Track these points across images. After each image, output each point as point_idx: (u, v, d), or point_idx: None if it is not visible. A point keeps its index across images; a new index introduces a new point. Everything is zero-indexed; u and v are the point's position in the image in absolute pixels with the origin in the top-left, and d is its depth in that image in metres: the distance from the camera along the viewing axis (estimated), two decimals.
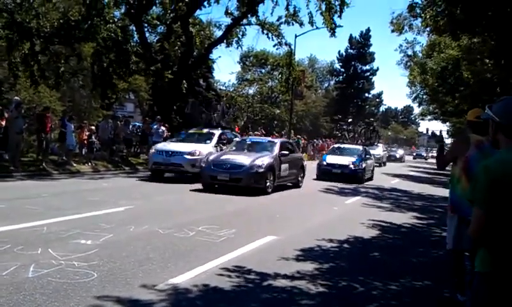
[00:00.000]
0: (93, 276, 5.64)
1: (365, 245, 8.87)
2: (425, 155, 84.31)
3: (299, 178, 18.54)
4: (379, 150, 42.33)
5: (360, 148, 25.88)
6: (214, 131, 20.36)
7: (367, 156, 24.51)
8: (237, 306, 5.25)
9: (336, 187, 19.25)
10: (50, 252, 6.50)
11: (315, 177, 22.45)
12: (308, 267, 6.77)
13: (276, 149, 16.84)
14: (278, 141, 19.22)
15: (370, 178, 24.24)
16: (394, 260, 7.77)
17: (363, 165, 22.84)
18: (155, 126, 23.82)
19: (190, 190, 15.21)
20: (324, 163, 23.06)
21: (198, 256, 6.89)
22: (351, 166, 22.17)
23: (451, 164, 5.95)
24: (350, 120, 35.92)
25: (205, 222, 9.33)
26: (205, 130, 20.87)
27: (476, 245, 2.85)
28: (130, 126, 25.44)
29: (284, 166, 16.72)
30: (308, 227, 10.17)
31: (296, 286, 5.90)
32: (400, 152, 63.17)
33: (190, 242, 7.78)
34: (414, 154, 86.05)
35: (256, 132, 37.11)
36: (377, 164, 35.20)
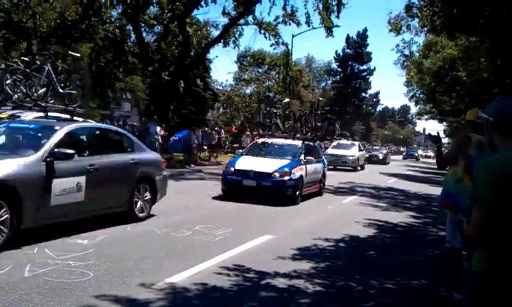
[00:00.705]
0: (90, 276, 5.64)
1: (362, 244, 8.88)
2: (416, 154, 76.92)
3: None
4: (353, 150, 33.79)
5: (299, 144, 15.77)
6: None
7: (311, 158, 15.13)
8: (236, 305, 5.25)
9: (332, 185, 19.24)
10: (47, 251, 6.49)
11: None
12: (305, 266, 6.78)
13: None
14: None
15: (318, 194, 15.89)
16: (390, 259, 7.79)
17: (299, 173, 13.99)
18: (151, 127, 23.80)
19: (189, 188, 15.24)
20: (232, 169, 14.12)
21: (195, 256, 6.90)
22: (276, 175, 13.52)
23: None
24: (286, 100, 27.31)
25: (201, 222, 9.33)
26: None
27: (473, 245, 2.86)
28: (127, 127, 25.37)
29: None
30: (305, 226, 10.18)
31: (293, 285, 5.91)
32: (383, 151, 53.27)
33: (186, 242, 7.79)
34: (404, 153, 78.38)
35: (254, 132, 37.09)
36: (351, 168, 32.05)
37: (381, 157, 47.57)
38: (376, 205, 14.58)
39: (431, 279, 6.73)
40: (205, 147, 29.54)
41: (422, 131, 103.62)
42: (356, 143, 37.44)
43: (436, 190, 19.44)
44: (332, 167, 28.86)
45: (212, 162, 28.78)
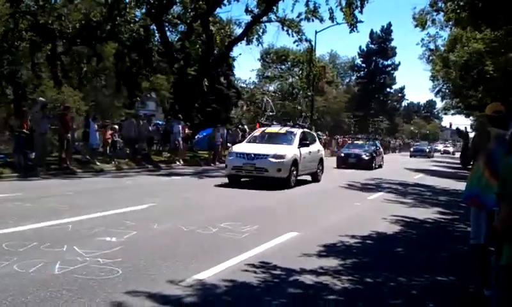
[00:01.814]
0: (118, 273, 5.70)
1: (389, 240, 8.80)
2: (428, 149, 62.79)
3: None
4: (314, 147, 18.70)
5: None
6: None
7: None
8: (264, 302, 5.25)
9: (358, 182, 19.15)
10: (76, 249, 6.59)
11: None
12: (332, 262, 6.75)
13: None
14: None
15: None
16: (418, 255, 7.71)
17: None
18: (175, 126, 23.96)
19: (214, 186, 15.34)
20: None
21: (222, 253, 6.92)
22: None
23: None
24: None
25: (227, 219, 9.35)
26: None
27: (498, 239, 2.81)
28: (152, 125, 25.59)
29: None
30: (330, 223, 10.13)
31: (321, 281, 5.89)
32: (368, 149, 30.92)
33: (213, 239, 7.82)
34: (411, 150, 62.35)
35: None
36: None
37: (365, 156, 29.38)
38: (402, 201, 14.43)
39: (459, 276, 6.64)
40: (229, 145, 29.61)
41: (448, 126, 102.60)
42: (317, 142, 24.05)
43: (464, 186, 19.17)
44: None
45: None
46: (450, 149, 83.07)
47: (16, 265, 5.75)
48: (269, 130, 18.49)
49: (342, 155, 29.73)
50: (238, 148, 17.11)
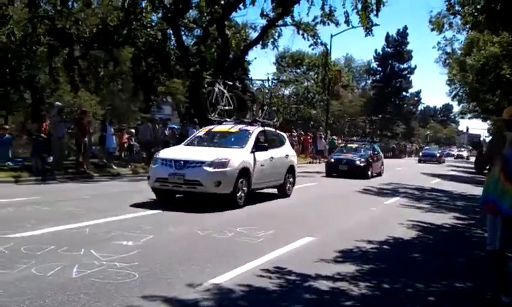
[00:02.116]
0: (135, 277, 5.72)
1: (405, 246, 8.74)
2: (438, 154, 56.84)
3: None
4: (278, 151, 14.31)
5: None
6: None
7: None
8: (282, 306, 5.24)
9: (374, 187, 19.04)
10: (93, 253, 6.63)
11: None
12: (348, 268, 6.71)
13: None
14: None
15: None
16: (435, 261, 7.64)
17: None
18: (190, 130, 24.03)
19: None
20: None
21: (238, 257, 6.92)
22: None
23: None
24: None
25: (242, 224, 9.36)
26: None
27: None
28: (168, 129, 25.68)
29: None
30: (346, 228, 10.08)
31: (337, 287, 5.86)
32: (364, 154, 25.71)
33: (229, 243, 7.82)
34: (420, 154, 58.44)
35: (293, 134, 37.04)
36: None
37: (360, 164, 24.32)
38: (419, 207, 14.32)
39: (477, 282, 6.58)
40: None
41: (465, 130, 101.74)
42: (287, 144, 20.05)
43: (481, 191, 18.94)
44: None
45: None
46: (465, 153, 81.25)
47: (34, 269, 5.80)
48: (217, 128, 13.85)
49: (332, 160, 25.17)
50: (165, 152, 12.79)
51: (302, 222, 10.37)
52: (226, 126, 13.89)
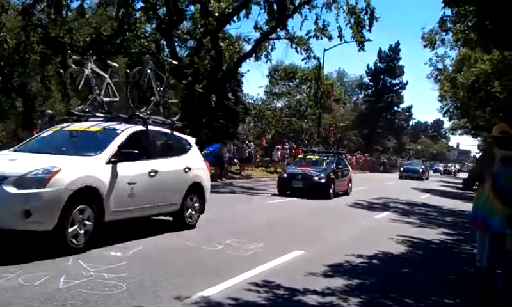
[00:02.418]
0: (123, 288, 5.68)
1: (395, 261, 8.75)
2: (421, 169, 51.42)
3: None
4: (171, 163, 9.83)
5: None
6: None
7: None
8: None
9: (364, 201, 19.08)
10: (81, 263, 6.58)
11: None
12: (338, 282, 6.70)
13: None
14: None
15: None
16: (425, 277, 7.64)
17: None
18: None
19: (220, 202, 15.23)
20: None
21: (227, 270, 6.89)
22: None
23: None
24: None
25: (232, 236, 9.33)
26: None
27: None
28: None
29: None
30: (336, 242, 10.08)
31: (326, 302, 5.85)
32: (326, 168, 21.00)
33: (218, 256, 7.79)
34: (401, 170, 52.90)
35: (285, 146, 37.12)
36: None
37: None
38: (409, 222, 14.36)
39: (466, 298, 6.59)
40: (236, 161, 29.66)
41: (456, 146, 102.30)
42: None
43: (471, 207, 19.02)
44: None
45: (242, 175, 28.87)
46: (452, 168, 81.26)
47: (21, 278, 5.75)
48: (73, 127, 9.48)
49: (285, 175, 20.27)
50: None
51: (292, 236, 10.36)
52: (88, 124, 9.49)
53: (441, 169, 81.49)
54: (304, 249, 8.69)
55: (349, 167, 23.98)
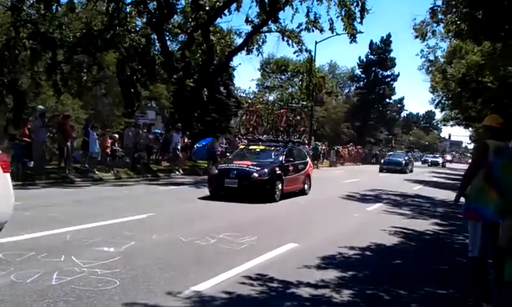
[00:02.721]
0: (116, 284, 5.67)
1: (388, 252, 8.78)
2: (404, 160, 45.19)
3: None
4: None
5: None
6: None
7: None
8: None
9: (357, 193, 19.14)
10: (74, 259, 6.56)
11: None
12: (331, 275, 6.72)
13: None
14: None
15: None
16: (418, 268, 7.67)
17: None
18: (174, 134, 23.97)
19: (209, 199, 15.23)
20: None
21: (220, 264, 6.89)
22: None
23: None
24: None
25: (226, 230, 9.33)
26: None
27: (505, 254, 2.81)
28: (151, 134, 25.57)
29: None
30: (330, 234, 10.10)
31: (319, 294, 5.85)
32: (273, 161, 16.51)
33: (211, 250, 7.79)
34: (382, 162, 46.98)
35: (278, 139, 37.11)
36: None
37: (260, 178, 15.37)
38: (401, 213, 14.41)
39: (459, 288, 6.62)
40: (228, 154, 29.64)
41: (447, 137, 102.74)
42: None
43: (462, 198, 19.09)
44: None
45: None
46: (440, 160, 76.30)
47: (13, 275, 5.72)
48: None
49: (216, 172, 15.82)
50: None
51: (285, 229, 10.37)
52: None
53: (429, 160, 78.10)
54: (297, 242, 8.70)
55: (308, 159, 19.63)
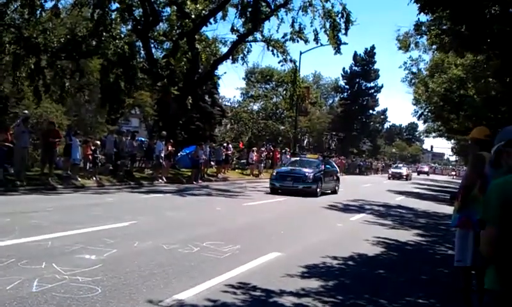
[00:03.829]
0: (97, 291, 5.62)
1: (370, 262, 8.81)
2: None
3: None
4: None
5: None
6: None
7: None
8: None
9: (340, 203, 19.22)
10: (55, 266, 6.49)
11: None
12: (313, 284, 6.73)
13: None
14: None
15: None
16: (399, 278, 7.72)
17: None
18: (158, 142, 23.85)
19: (197, 204, 15.21)
20: None
21: (203, 272, 6.86)
22: None
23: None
24: None
25: (209, 238, 9.30)
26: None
27: (488, 263, 2.84)
28: (134, 143, 25.43)
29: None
30: (313, 243, 10.12)
31: (301, 303, 5.86)
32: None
33: (194, 258, 7.75)
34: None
35: (261, 149, 37.19)
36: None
37: None
38: (384, 223, 14.49)
39: (440, 298, 6.66)
40: (212, 163, 29.61)
41: (430, 149, 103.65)
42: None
43: (444, 209, 19.31)
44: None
45: (219, 178, 28.81)
46: (403, 171, 61.55)
47: None
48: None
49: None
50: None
51: (268, 238, 10.37)
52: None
53: (390, 171, 65.01)
54: (280, 251, 8.71)
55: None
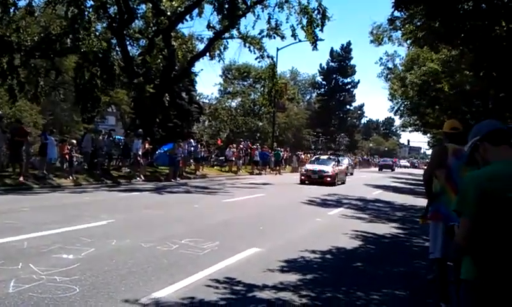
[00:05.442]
0: (75, 291, 5.59)
1: (348, 255, 8.89)
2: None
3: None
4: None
5: None
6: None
7: None
8: None
9: (318, 198, 19.33)
10: (31, 267, 6.43)
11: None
12: (292, 278, 6.78)
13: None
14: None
15: None
16: (376, 270, 7.80)
17: None
18: (135, 140, 23.70)
19: (174, 202, 15.16)
20: None
21: (181, 270, 6.86)
22: None
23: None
24: None
25: (188, 235, 9.30)
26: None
27: (461, 254, 2.89)
28: (111, 140, 25.21)
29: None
30: (292, 238, 10.17)
31: (280, 297, 5.90)
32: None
33: (173, 256, 7.74)
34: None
35: (240, 146, 37.17)
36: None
37: None
38: (361, 217, 14.63)
39: (417, 290, 6.76)
40: (191, 160, 29.52)
41: (406, 143, 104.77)
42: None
43: (421, 202, 19.54)
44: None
45: (197, 175, 28.74)
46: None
47: None
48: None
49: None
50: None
51: (247, 234, 10.39)
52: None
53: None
54: (260, 247, 8.75)
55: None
